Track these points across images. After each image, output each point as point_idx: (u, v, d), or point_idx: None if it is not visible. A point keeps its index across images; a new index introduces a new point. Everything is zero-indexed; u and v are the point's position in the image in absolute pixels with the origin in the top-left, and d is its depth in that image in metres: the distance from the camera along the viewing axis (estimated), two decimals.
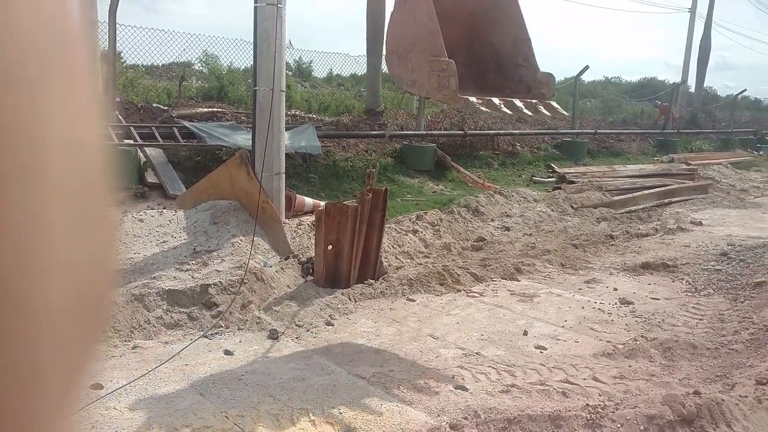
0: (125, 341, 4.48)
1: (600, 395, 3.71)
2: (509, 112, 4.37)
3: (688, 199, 12.99)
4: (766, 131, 27.73)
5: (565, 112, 5.08)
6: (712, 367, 4.00)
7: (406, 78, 4.52)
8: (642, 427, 2.87)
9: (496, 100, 4.23)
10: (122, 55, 14.65)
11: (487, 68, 4.82)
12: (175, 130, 8.55)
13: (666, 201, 12.41)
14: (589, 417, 2.99)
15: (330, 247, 5.75)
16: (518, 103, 4.34)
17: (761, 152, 24.20)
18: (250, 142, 8.74)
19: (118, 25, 8.81)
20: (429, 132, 12.28)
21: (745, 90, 27.45)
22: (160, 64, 18.87)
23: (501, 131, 13.80)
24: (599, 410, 3.02)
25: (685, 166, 16.73)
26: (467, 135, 13.07)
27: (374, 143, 11.90)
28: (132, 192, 7.64)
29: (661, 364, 4.21)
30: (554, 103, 4.59)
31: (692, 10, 32.29)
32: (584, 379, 4.00)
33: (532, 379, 4.04)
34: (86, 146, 0.38)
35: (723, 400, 2.96)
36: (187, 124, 8.81)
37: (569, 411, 3.06)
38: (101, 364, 4.07)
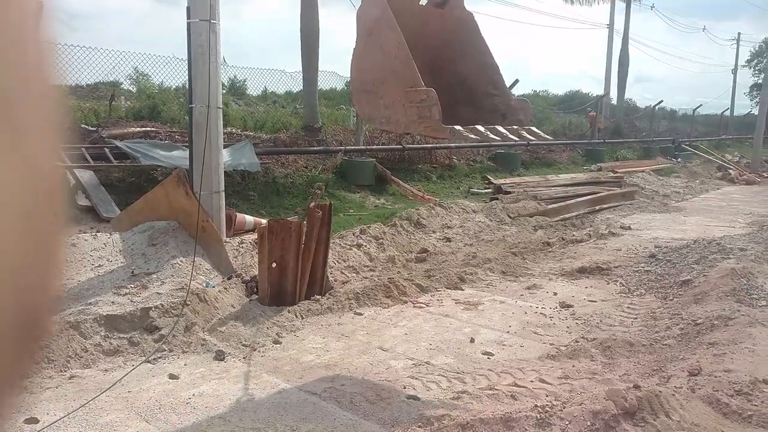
0: (60, 372, 4.25)
1: (547, 396, 3.82)
2: (497, 138, 4.09)
3: (617, 206, 13.61)
4: (683, 140, 29.54)
5: (547, 136, 4.75)
6: (648, 362, 4.20)
7: (378, 116, 4.30)
8: (588, 423, 2.98)
9: (481, 128, 3.97)
10: None
11: (456, 101, 4.45)
12: (107, 150, 8.26)
13: (597, 208, 12.97)
14: (538, 417, 3.08)
15: (274, 264, 5.68)
16: (502, 129, 4.09)
17: (679, 159, 25.74)
18: (185, 161, 8.60)
19: None
20: (368, 147, 12.40)
21: (662, 101, 29.18)
22: (85, 84, 18.18)
23: (438, 145, 14.07)
24: (548, 410, 3.11)
25: (612, 174, 17.56)
26: (406, 149, 13.27)
27: (314, 159, 11.88)
28: None
29: (601, 362, 4.39)
30: (534, 128, 4.37)
31: (610, 26, 34.10)
32: (531, 381, 4.11)
33: (481, 385, 4.12)
34: (38, 166, 0.37)
35: (660, 392, 3.12)
36: (119, 143, 8.53)
37: (519, 412, 3.14)
38: (34, 397, 3.86)
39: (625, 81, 32.48)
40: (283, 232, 5.66)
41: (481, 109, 4.41)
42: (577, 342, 4.97)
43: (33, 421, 3.55)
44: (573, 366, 4.35)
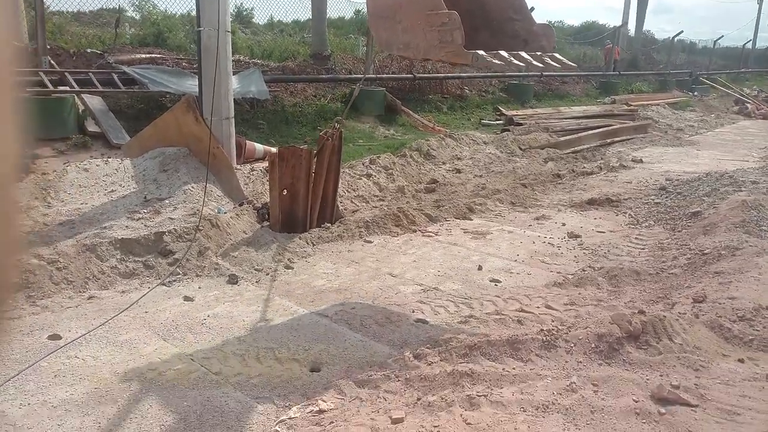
0: (80, 292, 4.38)
1: (552, 321, 3.91)
2: (521, 64, 3.96)
3: (629, 139, 13.45)
4: (701, 72, 28.71)
5: (572, 64, 4.54)
6: (654, 290, 4.26)
7: (395, 41, 4.16)
8: (593, 345, 3.06)
9: (504, 53, 3.85)
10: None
11: (475, 26, 4.28)
12: (115, 76, 8.14)
13: (609, 141, 12.81)
14: (544, 339, 3.16)
15: (285, 191, 5.71)
16: (525, 55, 3.98)
17: (695, 93, 25.12)
18: (194, 87, 8.48)
19: None
20: (379, 76, 12.14)
21: (682, 32, 28.06)
22: (88, 11, 17.70)
23: (450, 75, 13.76)
24: (553, 333, 3.20)
25: (626, 107, 17.21)
26: (416, 78, 13.00)
27: (323, 87, 11.69)
28: (72, 142, 7.30)
29: (607, 290, 4.46)
30: (558, 55, 4.21)
31: None
32: (537, 307, 4.19)
33: (488, 310, 4.22)
34: None
35: (665, 316, 3.18)
36: (127, 69, 8.39)
37: (525, 335, 3.23)
38: (56, 316, 4.00)
39: (644, 11, 31.26)
40: (293, 159, 5.66)
41: (501, 34, 4.27)
42: (583, 271, 5.04)
43: (56, 337, 3.69)
44: (579, 293, 4.43)
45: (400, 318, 4.12)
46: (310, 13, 14.63)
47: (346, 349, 3.66)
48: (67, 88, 7.52)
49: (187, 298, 4.39)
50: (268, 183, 6.54)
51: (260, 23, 23.49)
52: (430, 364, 3.26)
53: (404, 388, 3.04)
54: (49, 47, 9.71)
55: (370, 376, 3.24)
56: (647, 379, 2.73)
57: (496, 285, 4.77)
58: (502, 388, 2.79)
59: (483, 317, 4.07)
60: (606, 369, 2.88)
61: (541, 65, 4.08)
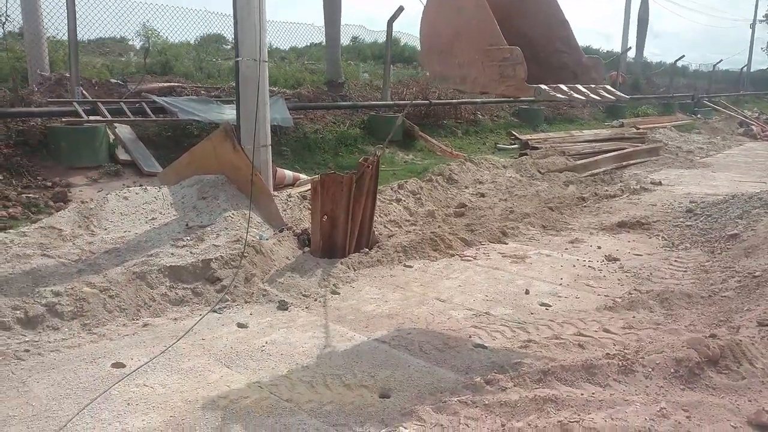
0: (133, 320, 4.37)
1: (614, 345, 3.91)
2: (580, 97, 3.99)
3: (643, 162, 13.56)
4: (702, 96, 29.05)
5: (622, 95, 4.52)
6: (712, 314, 4.26)
7: (452, 75, 4.18)
8: (672, 370, 3.06)
9: (564, 87, 3.89)
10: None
11: (527, 61, 4.04)
12: (145, 105, 8.22)
13: (624, 164, 12.92)
14: (620, 364, 3.16)
15: (325, 217, 5.74)
16: (582, 88, 4.02)
17: (699, 115, 25.40)
18: (221, 115, 8.58)
19: None
20: (396, 102, 12.26)
21: (683, 56, 28.58)
22: (86, 39, 17.76)
23: (464, 100, 13.90)
24: (629, 357, 3.19)
25: (635, 130, 17.39)
26: (432, 104, 13.13)
27: (341, 114, 11.80)
28: (104, 170, 7.34)
29: (662, 313, 4.45)
30: (609, 86, 4.26)
31: None
32: (595, 331, 4.19)
33: (546, 335, 4.21)
34: None
35: (740, 340, 3.18)
36: (157, 98, 8.48)
37: (600, 359, 3.22)
38: (115, 343, 3.98)
39: (644, 37, 31.74)
40: (334, 186, 5.69)
41: (548, 66, 4.28)
42: (631, 294, 5.04)
43: (120, 365, 3.67)
44: (633, 317, 4.43)
45: (457, 343, 4.11)
46: (309, 40, 14.77)
47: (412, 375, 3.64)
48: (99, 118, 7.58)
49: (240, 325, 4.38)
50: (305, 209, 6.59)
51: None
52: (504, 390, 3.24)
53: (485, 414, 3.02)
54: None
55: (445, 402, 3.22)
56: (737, 405, 2.72)
57: (546, 309, 4.77)
58: (590, 413, 2.77)
59: (543, 342, 4.05)
60: (691, 394, 2.87)
61: (598, 98, 4.12)
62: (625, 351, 3.61)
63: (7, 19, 8.17)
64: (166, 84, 11.17)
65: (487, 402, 3.10)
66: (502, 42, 3.67)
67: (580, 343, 3.96)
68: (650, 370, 3.09)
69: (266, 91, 6.13)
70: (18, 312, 4.08)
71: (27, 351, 3.77)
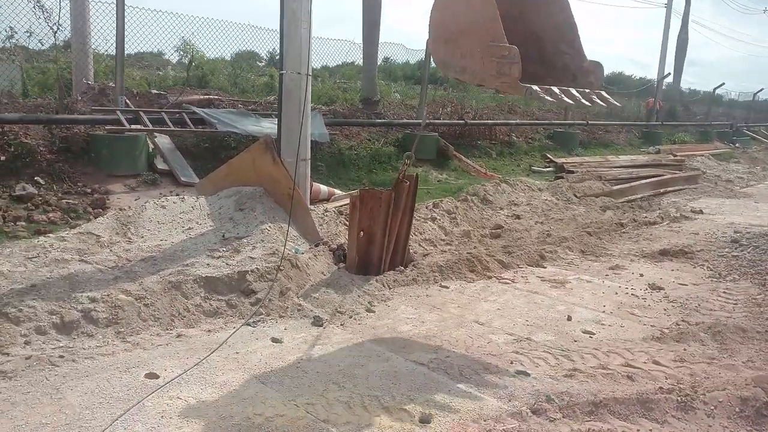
0: (167, 329, 4.32)
1: (666, 378, 3.70)
2: (570, 101, 4.12)
3: (681, 189, 13.23)
4: (741, 125, 28.45)
5: (617, 103, 4.75)
6: None
7: (453, 64, 4.29)
8: (737, 409, 2.86)
9: (556, 89, 3.99)
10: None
11: (528, 58, 4.26)
12: (185, 115, 8.29)
13: (662, 191, 12.61)
14: (679, 399, 2.97)
15: (362, 233, 5.65)
16: (575, 92, 4.12)
17: (737, 144, 24.83)
18: (259, 128, 8.60)
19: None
20: (431, 121, 12.21)
21: (723, 84, 28.08)
22: (125, 54, 18.14)
23: (499, 122, 13.79)
24: (688, 393, 3.00)
25: (672, 157, 17.03)
26: (468, 124, 13.03)
27: (376, 132, 11.78)
28: (142, 179, 7.39)
29: (715, 347, 4.23)
30: (605, 93, 4.35)
31: (668, 5, 32.85)
32: (644, 362, 3.98)
33: (591, 364, 4.02)
34: None
35: None
36: (197, 110, 8.56)
37: (656, 394, 3.03)
38: (148, 353, 3.92)
39: (682, 62, 31.29)
40: (372, 202, 5.61)
41: (551, 67, 4.38)
42: (678, 325, 4.82)
43: (153, 376, 3.60)
44: (684, 350, 4.21)
45: (498, 369, 3.95)
46: (341, 59, 14.88)
47: (453, 400, 3.49)
48: (140, 127, 7.66)
49: (275, 340, 4.29)
50: (341, 224, 6.52)
51: None
52: (552, 421, 3.07)
53: None
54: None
55: (489, 431, 3.07)
56: None
57: (590, 337, 4.58)
58: None
59: (588, 371, 3.87)
60: None
61: (589, 104, 4.22)
62: (680, 386, 3.41)
63: (59, 29, 8.34)
64: (204, 96, 11.32)
65: None
66: (503, 40, 3.76)
67: (628, 375, 3.76)
68: (712, 408, 2.89)
69: (308, 104, 6.10)
70: (54, 317, 4.05)
71: (61, 357, 3.73)
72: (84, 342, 3.96)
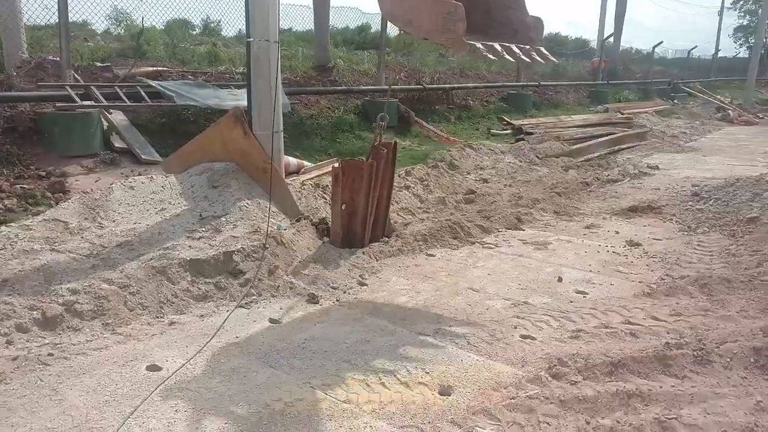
0: (157, 317, 4.10)
1: (668, 333, 3.79)
2: (510, 59, 4.20)
3: (633, 146, 13.60)
4: (679, 81, 29.44)
5: (554, 59, 4.87)
6: (759, 299, 4.18)
7: (400, 16, 4.26)
8: (752, 359, 2.95)
9: (498, 47, 4.05)
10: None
11: (473, 8, 4.24)
12: (140, 89, 7.81)
13: (616, 148, 12.93)
14: (695, 354, 3.04)
15: (344, 206, 5.51)
16: (515, 49, 4.19)
17: (676, 101, 25.72)
18: (217, 100, 8.23)
19: None
20: (392, 87, 12.00)
21: (662, 42, 28.88)
22: (44, 24, 17.04)
23: (456, 86, 13.72)
24: (702, 346, 3.07)
25: (621, 116, 17.47)
26: (426, 89, 12.91)
27: (335, 100, 11.51)
28: (100, 158, 6.96)
29: (705, 299, 4.36)
30: (543, 49, 4.43)
31: None
32: (643, 318, 4.08)
33: (593, 324, 4.08)
34: None
35: None
36: (152, 83, 8.07)
37: (672, 350, 3.09)
38: (143, 344, 3.72)
39: (621, 23, 31.85)
40: (353, 172, 5.47)
41: (494, 20, 4.43)
42: (663, 280, 4.96)
43: (155, 368, 3.42)
44: (677, 303, 4.33)
45: (504, 335, 3.95)
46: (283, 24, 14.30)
47: (467, 370, 3.47)
48: (92, 103, 7.17)
49: (273, 321, 4.15)
50: (319, 197, 6.35)
51: (228, 35, 23.13)
52: (575, 384, 3.10)
53: (563, 411, 2.87)
54: (56, 59, 9.34)
55: (514, 398, 3.06)
56: None
57: (584, 297, 4.65)
58: (682, 409, 2.64)
59: (592, 331, 3.93)
60: None
61: (528, 60, 4.32)
62: (684, 340, 3.50)
63: None
64: (152, 68, 10.73)
65: (563, 398, 2.95)
66: None
67: (631, 332, 3.84)
68: (728, 360, 2.98)
69: (279, 73, 5.83)
70: (35, 312, 3.78)
71: (51, 355, 3.48)
72: (71, 337, 3.71)
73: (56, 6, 7.81)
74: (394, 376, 3.39)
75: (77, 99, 6.92)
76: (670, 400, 2.72)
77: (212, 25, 23.45)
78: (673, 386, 2.86)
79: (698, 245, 5.87)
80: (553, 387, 3.12)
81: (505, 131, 13.31)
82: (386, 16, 4.68)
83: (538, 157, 10.79)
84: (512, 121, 13.65)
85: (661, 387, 2.88)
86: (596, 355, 3.46)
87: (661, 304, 4.35)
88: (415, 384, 3.30)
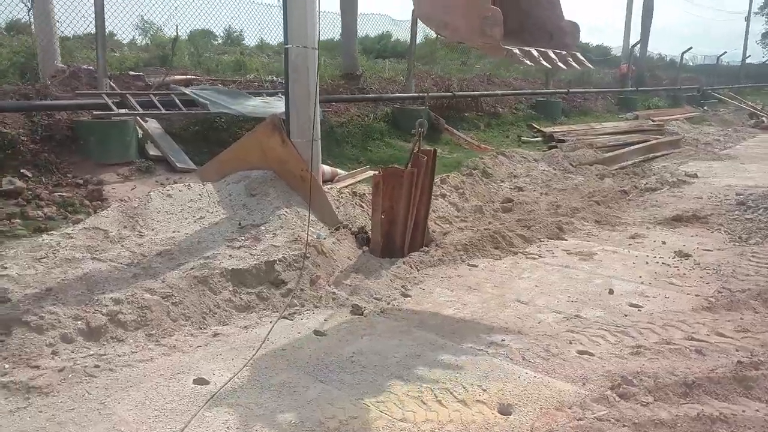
0: (200, 329, 4.01)
1: (737, 350, 3.59)
2: (546, 65, 4.12)
3: (667, 154, 13.30)
4: (708, 88, 28.90)
5: (591, 66, 4.78)
6: None
7: (436, 18, 4.18)
8: None
9: (534, 52, 3.96)
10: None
11: (507, 10, 4.11)
12: (175, 97, 7.80)
13: (650, 156, 12.65)
14: None
15: (383, 215, 5.39)
16: (552, 54, 4.10)
17: (706, 107, 25.23)
18: (251, 108, 8.19)
19: None
20: (420, 94, 11.90)
21: (691, 48, 28.41)
22: (72, 36, 17.26)
23: (486, 92, 13.57)
24: None
25: (652, 123, 17.14)
26: (455, 96, 12.77)
27: (364, 108, 11.43)
28: (136, 166, 6.94)
29: None
30: (579, 55, 4.33)
31: None
32: (707, 335, 3.88)
33: (653, 339, 3.89)
34: None
35: None
36: (187, 90, 8.06)
37: (752, 370, 2.90)
38: (189, 356, 3.62)
39: (648, 30, 31.43)
40: (393, 181, 5.35)
41: (529, 23, 4.33)
42: (720, 293, 4.74)
43: (203, 381, 3.32)
44: (741, 318, 4.12)
45: (559, 350, 3.78)
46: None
47: (526, 388, 3.31)
48: (128, 111, 7.16)
49: (318, 333, 4.02)
50: (357, 206, 6.25)
51: (250, 44, 23.23)
52: (646, 405, 2.92)
53: None
54: (90, 68, 9.40)
55: (581, 420, 2.89)
56: None
57: (639, 310, 4.45)
58: None
59: (653, 347, 3.74)
60: None
61: (564, 67, 4.21)
62: (759, 359, 3.30)
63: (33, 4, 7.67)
64: (183, 77, 10.76)
65: (635, 420, 2.77)
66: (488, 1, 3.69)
67: (697, 349, 3.64)
68: None
69: (316, 80, 5.75)
70: (79, 322, 3.71)
71: (97, 366, 3.40)
72: (116, 348, 3.63)
73: (91, 16, 7.82)
74: (450, 393, 3.24)
75: (114, 107, 6.92)
76: (759, 427, 2.53)
77: (235, 34, 23.68)
78: (758, 410, 2.67)
79: (753, 257, 5.63)
80: (622, 408, 2.94)
81: (535, 138, 13.11)
82: (421, 19, 4.62)
83: (572, 164, 10.58)
84: (542, 129, 13.44)
85: (744, 412, 2.69)
86: (663, 374, 3.28)
87: (723, 320, 4.14)
88: (473, 402, 3.15)
